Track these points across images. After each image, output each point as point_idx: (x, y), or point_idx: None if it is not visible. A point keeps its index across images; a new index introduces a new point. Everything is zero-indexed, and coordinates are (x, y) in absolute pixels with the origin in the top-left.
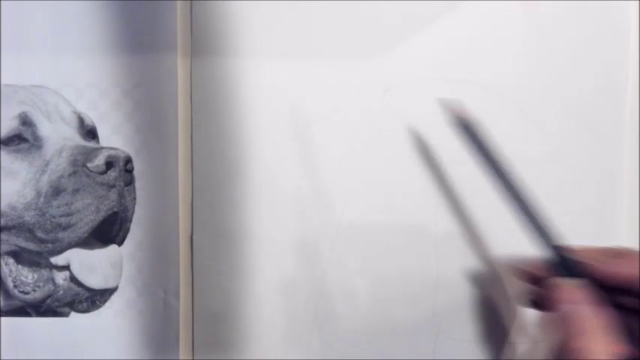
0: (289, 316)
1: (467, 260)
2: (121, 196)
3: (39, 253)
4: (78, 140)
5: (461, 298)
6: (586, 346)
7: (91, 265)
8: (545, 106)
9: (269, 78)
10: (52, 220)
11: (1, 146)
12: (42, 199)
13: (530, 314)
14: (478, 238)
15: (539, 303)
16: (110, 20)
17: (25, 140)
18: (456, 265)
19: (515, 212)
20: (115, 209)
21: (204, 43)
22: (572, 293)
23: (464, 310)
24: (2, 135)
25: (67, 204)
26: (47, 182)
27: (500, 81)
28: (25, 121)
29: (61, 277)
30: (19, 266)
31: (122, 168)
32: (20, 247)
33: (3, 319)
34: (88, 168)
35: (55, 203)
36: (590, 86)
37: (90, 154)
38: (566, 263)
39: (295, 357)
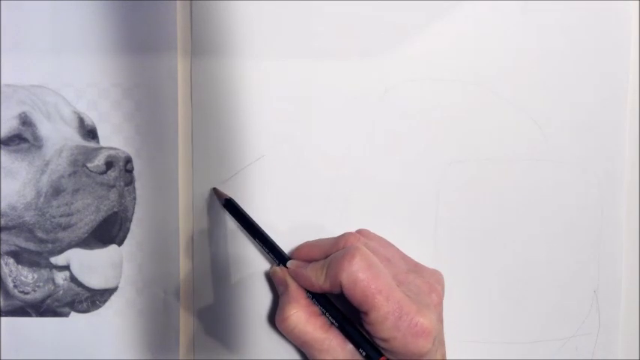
0: None
1: (467, 260)
2: (121, 196)
3: (39, 253)
4: (78, 140)
5: (461, 297)
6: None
7: (91, 265)
8: (545, 106)
9: (269, 78)
10: (52, 220)
11: (1, 146)
12: (42, 199)
13: None
14: None
15: None
16: (110, 20)
17: (25, 140)
18: (456, 264)
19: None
20: (115, 209)
21: (204, 43)
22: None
23: (464, 310)
24: (2, 135)
25: (67, 204)
26: (47, 182)
27: (501, 81)
28: (25, 121)
29: (61, 277)
30: (19, 266)
31: (122, 168)
32: (20, 247)
33: (3, 319)
34: (88, 168)
35: (55, 203)
36: (591, 86)
37: (90, 154)
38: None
39: (295, 357)
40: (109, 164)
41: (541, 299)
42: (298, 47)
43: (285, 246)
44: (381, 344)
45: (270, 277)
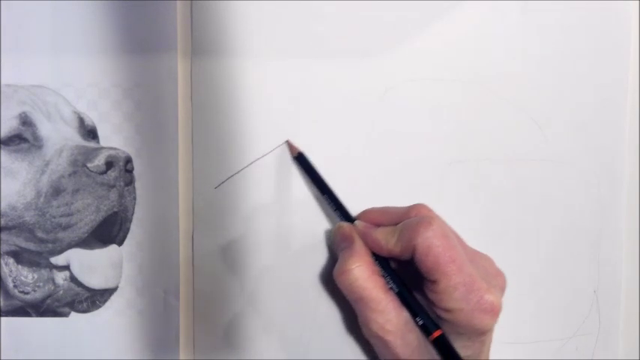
0: (289, 316)
1: None
2: (121, 196)
3: (39, 253)
4: (78, 140)
5: None
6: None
7: (91, 265)
8: (545, 106)
9: (269, 78)
10: (52, 220)
11: (1, 146)
12: (42, 199)
13: None
14: None
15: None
16: (110, 20)
17: (25, 140)
18: None
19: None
20: (115, 209)
21: (204, 43)
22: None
23: None
24: (2, 135)
25: (67, 204)
26: (47, 182)
27: (501, 81)
28: (25, 121)
29: (61, 277)
30: (19, 266)
31: (122, 168)
32: (20, 247)
33: (3, 319)
34: (88, 168)
35: (55, 203)
36: (591, 86)
37: (90, 154)
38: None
39: (295, 357)
40: (109, 164)
41: (541, 299)
42: (298, 47)
43: (285, 246)
44: (443, 315)
45: (269, 276)
